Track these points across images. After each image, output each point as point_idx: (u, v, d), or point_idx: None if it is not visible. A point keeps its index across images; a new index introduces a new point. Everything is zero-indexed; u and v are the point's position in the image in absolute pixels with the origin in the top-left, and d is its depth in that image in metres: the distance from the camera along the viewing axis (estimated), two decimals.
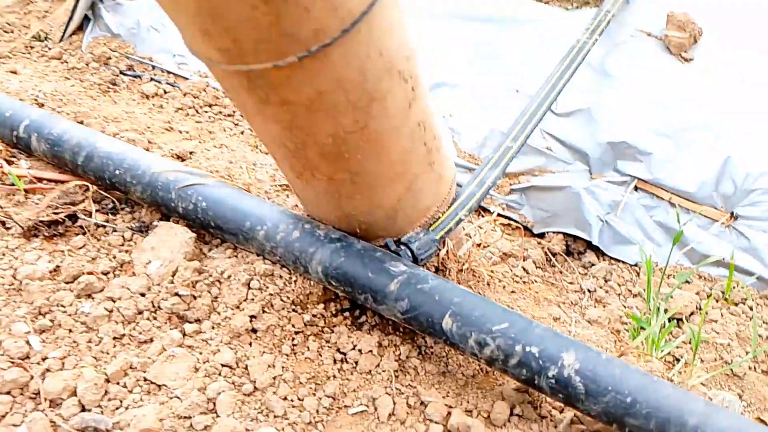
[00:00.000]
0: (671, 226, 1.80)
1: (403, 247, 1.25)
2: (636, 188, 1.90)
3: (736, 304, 1.62)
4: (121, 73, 2.72)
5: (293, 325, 1.22)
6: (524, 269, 1.73)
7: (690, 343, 1.48)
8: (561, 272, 1.81)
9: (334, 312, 1.27)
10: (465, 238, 1.62)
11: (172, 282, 1.33)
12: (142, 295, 1.31)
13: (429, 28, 2.33)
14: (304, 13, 0.79)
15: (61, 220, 1.54)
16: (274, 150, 1.11)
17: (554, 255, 1.85)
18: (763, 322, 1.56)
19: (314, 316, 1.25)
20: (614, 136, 1.95)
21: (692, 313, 1.58)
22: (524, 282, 1.66)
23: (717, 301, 1.64)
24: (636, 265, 1.80)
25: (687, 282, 1.70)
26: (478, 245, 1.79)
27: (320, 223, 1.28)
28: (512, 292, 1.55)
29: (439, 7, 2.35)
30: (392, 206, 1.22)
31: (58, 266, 1.41)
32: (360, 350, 1.19)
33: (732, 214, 1.78)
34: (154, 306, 1.29)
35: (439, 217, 1.35)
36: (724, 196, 1.80)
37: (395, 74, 0.99)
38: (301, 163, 1.09)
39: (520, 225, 1.98)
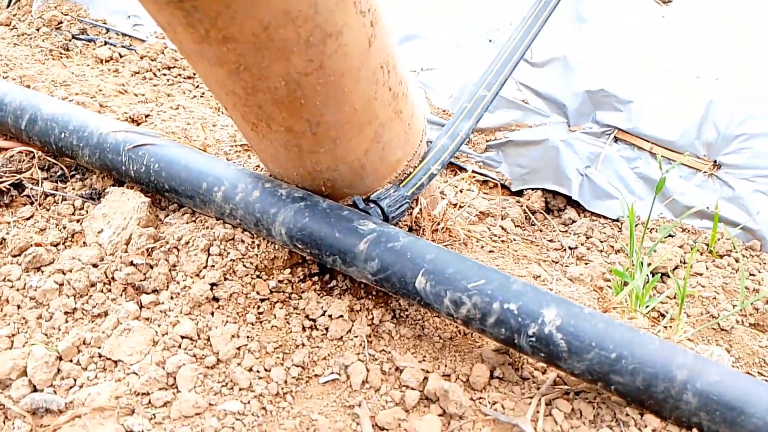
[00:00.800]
0: (653, 177, 1.73)
1: (372, 205, 1.17)
2: (616, 139, 1.83)
3: (722, 257, 1.57)
4: (73, 37, 2.58)
5: (258, 292, 1.14)
6: (503, 228, 1.66)
7: (675, 298, 1.42)
8: (541, 230, 1.74)
9: (301, 277, 1.19)
10: (440, 197, 1.54)
11: (126, 251, 1.23)
12: (95, 266, 1.22)
13: None
14: None
15: (5, 189, 1.43)
16: (223, 99, 1.01)
17: (534, 213, 1.78)
18: (750, 274, 1.51)
19: (280, 281, 1.16)
20: (592, 84, 1.87)
21: (676, 267, 1.53)
22: (503, 241, 1.59)
23: (701, 253, 1.58)
24: (618, 220, 1.73)
25: (670, 235, 1.65)
26: (454, 205, 1.71)
27: (282, 182, 1.19)
28: (490, 251, 1.48)
29: None
30: (358, 160, 1.13)
31: (3, 239, 1.31)
32: (330, 316, 1.11)
33: (715, 162, 1.72)
34: (107, 277, 1.20)
35: (410, 172, 1.26)
36: (707, 144, 1.73)
37: (350, 5, 0.89)
38: (253, 112, 0.99)
39: (497, 183, 1.90)
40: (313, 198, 1.14)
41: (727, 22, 1.92)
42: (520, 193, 1.87)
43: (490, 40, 2.05)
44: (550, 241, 1.68)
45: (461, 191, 1.80)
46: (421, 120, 1.29)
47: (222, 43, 0.84)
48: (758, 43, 1.85)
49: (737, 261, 1.55)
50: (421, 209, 1.33)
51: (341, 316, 1.10)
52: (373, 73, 1.02)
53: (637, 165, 1.79)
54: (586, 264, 1.57)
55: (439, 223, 1.41)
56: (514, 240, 1.62)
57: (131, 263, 1.20)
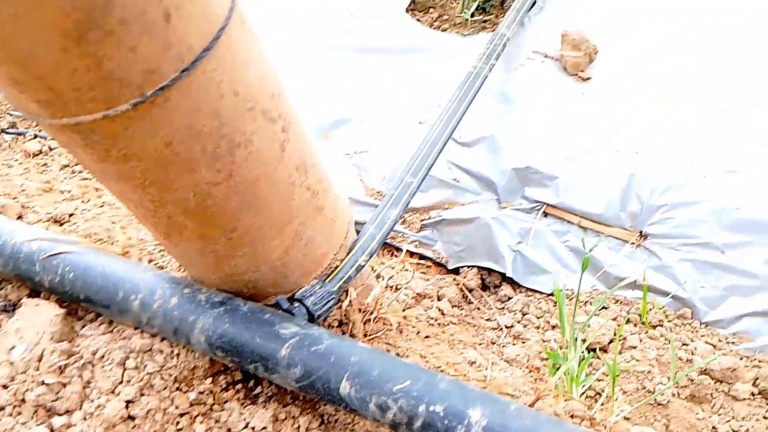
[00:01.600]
0: (583, 250, 1.76)
1: (296, 304, 1.14)
2: (545, 214, 1.86)
3: (654, 327, 1.58)
4: (2, 131, 2.53)
5: (177, 407, 1.08)
6: (439, 310, 1.64)
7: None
8: (478, 308, 1.73)
9: (224, 385, 1.13)
10: (374, 283, 1.52)
11: (38, 369, 1.16)
12: (5, 387, 1.14)
13: (327, 61, 2.26)
14: (129, 54, 0.68)
15: None
16: (133, 210, 0.98)
17: (470, 291, 1.78)
18: (683, 344, 1.52)
19: (201, 393, 1.11)
20: (519, 162, 1.91)
21: (611, 341, 1.53)
22: (439, 324, 1.57)
23: (635, 325, 1.59)
24: (552, 294, 1.74)
25: (604, 308, 1.66)
26: (390, 287, 1.69)
27: (202, 286, 1.15)
28: (426, 337, 1.45)
29: (337, 39, 2.29)
30: (280, 260, 1.10)
31: None
32: (253, 428, 1.05)
33: (641, 233, 1.76)
34: (18, 399, 1.12)
35: (338, 266, 1.24)
36: (632, 215, 1.78)
37: (258, 115, 0.89)
38: (164, 222, 0.96)
39: (433, 261, 1.90)
40: (233, 302, 1.11)
41: (643, 96, 2.01)
42: (456, 271, 1.87)
43: (420, 122, 2.09)
44: (488, 320, 1.67)
45: (398, 272, 1.79)
46: (346, 211, 1.29)
47: (124, 161, 0.82)
48: (673, 114, 1.94)
49: (669, 331, 1.57)
50: (351, 301, 1.30)
51: (264, 428, 1.05)
52: (289, 175, 1.01)
53: (567, 238, 1.81)
54: (523, 343, 1.55)
55: (371, 313, 1.38)
56: (451, 323, 1.60)
57: (43, 383, 1.12)
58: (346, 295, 1.30)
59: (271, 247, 1.06)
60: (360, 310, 1.36)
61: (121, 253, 1.34)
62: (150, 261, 1.39)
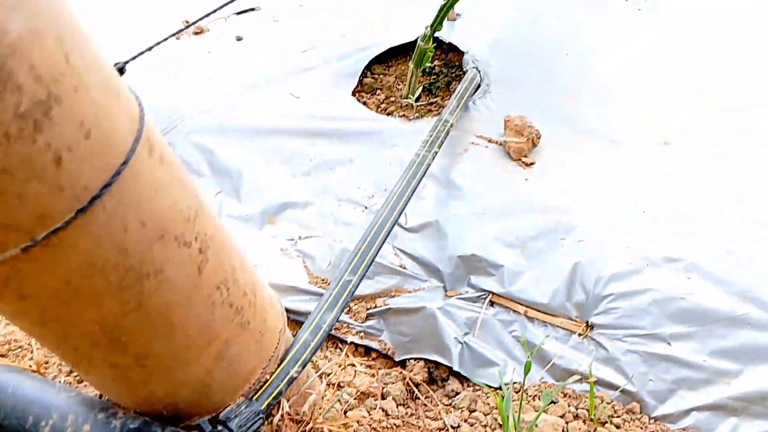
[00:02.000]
0: (531, 340, 1.73)
1: (220, 427, 1.06)
2: (492, 303, 1.83)
3: (603, 424, 1.54)
4: None
5: None
6: (383, 410, 1.57)
7: None
8: (425, 404, 1.67)
9: None
10: (315, 383, 1.46)
11: None
12: None
13: (270, 144, 2.24)
14: (15, 201, 0.63)
15: None
16: (38, 341, 0.91)
17: (417, 386, 1.72)
18: None
19: None
20: (464, 249, 1.89)
21: None
22: (383, 427, 1.50)
23: (584, 422, 1.55)
24: (501, 388, 1.69)
25: (553, 402, 1.61)
26: (332, 385, 1.62)
27: (119, 410, 1.07)
28: None
29: (280, 122, 2.27)
30: (201, 381, 1.03)
31: None
32: None
33: (587, 323, 1.74)
34: None
35: (267, 380, 1.18)
36: (577, 305, 1.76)
37: (171, 241, 0.84)
38: (71, 354, 0.90)
39: (380, 353, 1.84)
40: (151, 427, 1.03)
41: (585, 180, 2.03)
42: (404, 363, 1.81)
43: (366, 207, 2.07)
44: (434, 419, 1.61)
45: (341, 368, 1.72)
46: (277, 320, 1.23)
47: (19, 300, 0.76)
48: (614, 201, 1.95)
49: (618, 427, 1.53)
50: (283, 414, 1.23)
51: None
52: (209, 296, 0.95)
53: (514, 328, 1.78)
54: None
55: (308, 423, 1.31)
56: (395, 425, 1.53)
57: None
58: (279, 407, 1.23)
59: (190, 370, 1.00)
60: (294, 420, 1.29)
61: (36, 369, 1.26)
62: (70, 373, 1.31)
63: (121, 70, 0.88)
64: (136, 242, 0.79)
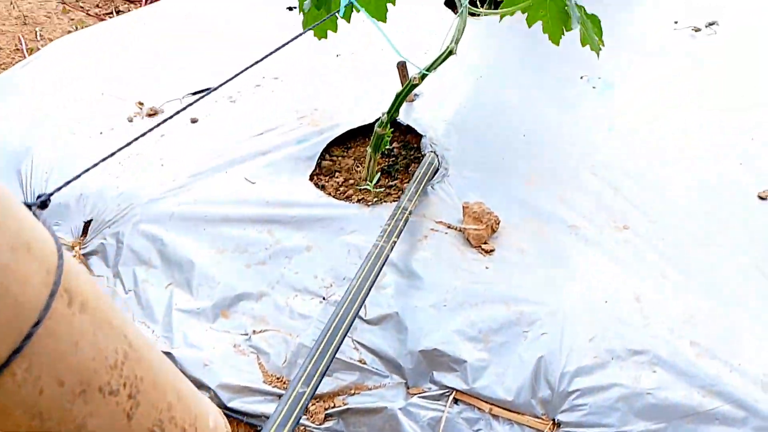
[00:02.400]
0: None
1: None
2: (456, 401, 1.76)
3: None
4: None
5: None
6: None
7: None
8: None
9: None
10: None
11: None
12: None
13: (224, 233, 2.16)
14: None
15: None
16: None
17: None
18: None
19: None
20: (425, 343, 1.82)
21: None
22: None
23: None
24: None
25: None
26: None
27: None
28: None
29: (233, 209, 2.21)
30: None
31: None
32: None
33: (554, 421, 1.68)
34: None
35: None
36: (543, 402, 1.70)
37: (94, 393, 0.76)
38: None
39: None
40: None
41: (547, 267, 2.00)
42: None
43: (324, 298, 2.00)
44: None
45: None
46: None
47: None
48: (578, 289, 1.92)
49: None
50: None
51: None
52: None
53: (479, 427, 1.71)
54: None
55: None
56: None
57: None
58: None
59: None
60: None
61: None
62: None
63: (44, 204, 0.81)
64: (54, 403, 0.71)
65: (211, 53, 3.15)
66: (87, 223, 2.24)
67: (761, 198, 2.43)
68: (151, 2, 4.78)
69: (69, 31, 4.35)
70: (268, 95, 2.78)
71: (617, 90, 3.02)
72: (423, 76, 2.20)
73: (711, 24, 3.97)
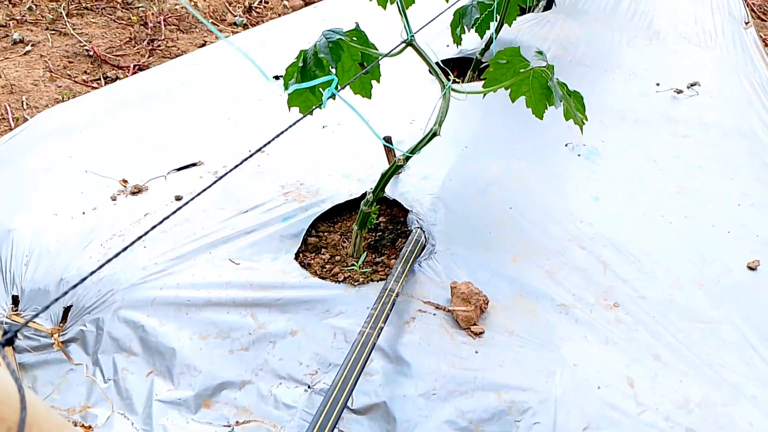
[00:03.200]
0: None
1: None
2: None
3: None
4: None
5: None
6: None
7: None
8: None
9: None
10: None
11: None
12: None
13: (205, 316, 2.11)
14: None
15: None
16: None
17: None
18: None
19: None
20: None
21: None
22: None
23: None
24: None
25: None
26: None
27: None
28: None
29: (216, 292, 2.16)
30: None
31: None
32: None
33: None
34: None
35: None
36: None
37: None
38: None
39: None
40: None
41: (539, 352, 1.96)
42: None
43: (309, 386, 1.94)
44: None
45: None
46: None
47: None
48: (570, 375, 1.88)
49: None
50: None
51: None
52: None
53: None
54: None
55: None
56: None
57: None
58: None
59: None
60: None
61: None
62: None
63: (10, 341, 0.78)
64: None
65: (198, 125, 3.15)
66: (67, 309, 2.18)
67: (750, 268, 2.42)
68: (138, 70, 4.82)
69: (57, 99, 4.37)
70: (253, 169, 2.76)
71: (602, 157, 3.04)
72: (407, 158, 2.19)
73: (693, 85, 4.04)
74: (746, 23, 5.91)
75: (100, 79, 4.76)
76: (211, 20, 5.99)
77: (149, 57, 5.13)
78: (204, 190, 1.28)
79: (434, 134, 2.14)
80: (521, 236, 2.42)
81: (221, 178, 1.47)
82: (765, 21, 6.48)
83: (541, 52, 2.22)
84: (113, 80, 4.76)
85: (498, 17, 3.93)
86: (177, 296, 2.15)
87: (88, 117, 3.23)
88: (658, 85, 3.91)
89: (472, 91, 2.26)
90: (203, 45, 5.48)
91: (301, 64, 2.19)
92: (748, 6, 6.43)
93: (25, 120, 4.00)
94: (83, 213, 2.50)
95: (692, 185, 2.89)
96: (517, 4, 4.10)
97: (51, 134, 3.03)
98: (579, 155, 3.03)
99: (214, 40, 5.56)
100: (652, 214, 2.65)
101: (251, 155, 1.50)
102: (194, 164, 2.80)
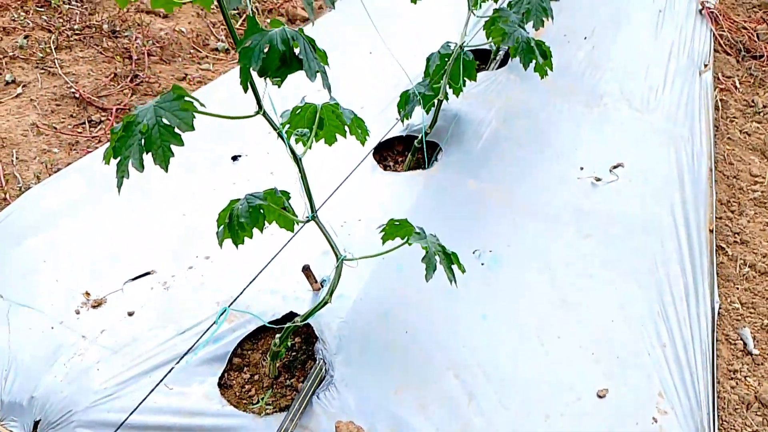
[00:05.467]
0: None
1: None
2: None
3: None
4: None
5: None
6: None
7: None
8: None
9: None
10: None
11: None
12: None
13: None
14: None
15: None
16: None
17: None
18: None
19: None
20: None
21: None
22: None
23: None
24: None
25: None
26: None
27: None
28: None
29: (150, 418, 2.70)
30: None
31: None
32: None
33: None
34: None
35: None
36: None
37: None
38: None
39: None
40: None
41: None
42: None
43: None
44: None
45: None
46: None
47: None
48: None
49: None
50: None
51: None
52: None
53: None
54: None
55: None
56: None
57: None
58: None
59: None
60: None
61: None
62: None
63: None
64: None
65: (154, 225, 3.63)
66: (36, 423, 2.75)
67: (599, 396, 2.92)
68: (121, 112, 5.24)
69: (44, 150, 4.83)
70: (197, 280, 3.27)
71: (503, 266, 3.50)
72: (304, 319, 2.69)
73: (616, 167, 4.43)
74: (705, 65, 6.16)
75: (85, 123, 5.19)
76: (193, 46, 6.33)
77: (132, 95, 5.54)
78: None
79: (325, 303, 2.62)
80: (408, 365, 2.94)
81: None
82: (730, 55, 6.66)
83: (419, 232, 2.66)
84: (97, 123, 5.20)
85: (437, 100, 4.31)
86: (119, 419, 2.70)
87: (65, 204, 3.72)
88: (581, 169, 4.30)
89: (363, 256, 2.73)
90: (183, 78, 5.86)
91: (227, 220, 2.66)
92: (716, 38, 6.60)
93: (15, 178, 4.50)
94: (52, 328, 3.03)
95: (576, 299, 3.36)
96: (465, 77, 4.45)
97: (26, 231, 3.53)
98: (482, 264, 3.49)
99: (193, 72, 5.94)
100: (529, 334, 3.14)
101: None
102: (148, 273, 3.31)
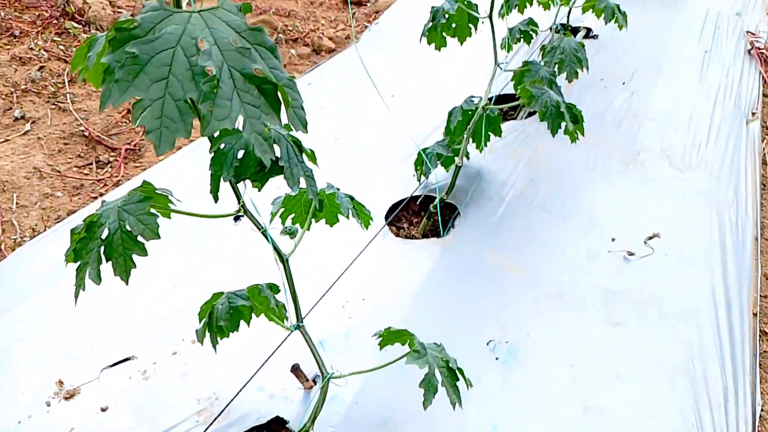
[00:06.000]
0: None
1: None
2: None
3: None
4: None
5: None
6: None
7: None
8: None
9: None
10: None
11: None
12: None
13: None
14: None
15: None
16: None
17: None
18: None
19: None
20: None
21: None
22: None
23: None
24: None
25: None
26: None
27: None
28: None
29: None
30: None
31: None
32: None
33: None
34: None
35: None
36: None
37: None
38: None
39: None
40: None
41: None
42: None
43: None
44: None
45: None
46: None
47: None
48: None
49: None
50: None
51: None
52: None
53: None
54: None
55: None
56: None
57: None
58: None
59: None
60: None
61: None
62: None
63: None
64: None
65: (135, 305, 3.36)
66: None
67: None
68: (129, 152, 5.03)
69: (46, 195, 4.64)
70: (180, 369, 2.99)
71: (519, 361, 3.15)
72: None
73: (651, 237, 4.02)
74: (753, 113, 5.70)
75: (92, 163, 5.00)
76: None
77: (143, 134, 5.33)
78: None
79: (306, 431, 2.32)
80: None
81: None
82: None
83: (418, 350, 2.33)
84: (105, 164, 5.01)
85: (455, 166, 3.98)
86: None
87: (48, 272, 3.49)
88: (613, 240, 3.92)
89: (354, 372, 2.42)
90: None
91: (206, 320, 2.38)
92: (765, 81, 6.12)
93: (13, 226, 4.31)
94: (19, 422, 2.79)
95: (600, 404, 2.99)
96: (489, 131, 4.12)
97: (8, 303, 3.31)
98: (497, 358, 3.14)
99: None
100: None
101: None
102: (128, 359, 3.05)
